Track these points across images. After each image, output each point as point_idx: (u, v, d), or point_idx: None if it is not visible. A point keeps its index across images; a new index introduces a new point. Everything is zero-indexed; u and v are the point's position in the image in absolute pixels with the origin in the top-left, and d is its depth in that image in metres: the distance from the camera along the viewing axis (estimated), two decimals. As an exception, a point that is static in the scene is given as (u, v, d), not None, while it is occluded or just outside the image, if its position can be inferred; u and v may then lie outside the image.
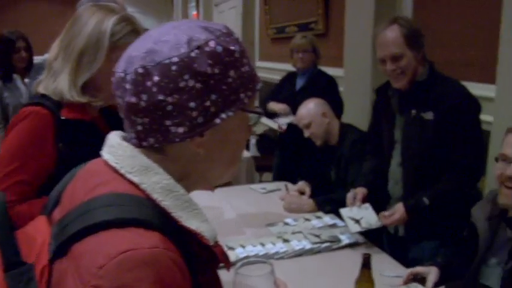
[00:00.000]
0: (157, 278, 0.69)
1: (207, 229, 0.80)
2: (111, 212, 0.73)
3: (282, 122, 3.59)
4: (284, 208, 2.70)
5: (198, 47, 0.77)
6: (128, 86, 0.78)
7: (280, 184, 3.14)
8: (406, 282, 1.82)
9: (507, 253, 1.73)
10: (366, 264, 1.63)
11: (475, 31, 2.94)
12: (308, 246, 2.13)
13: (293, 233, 2.27)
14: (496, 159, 1.74)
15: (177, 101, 0.77)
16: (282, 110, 3.57)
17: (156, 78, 0.76)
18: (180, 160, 0.83)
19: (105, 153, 0.83)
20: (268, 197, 2.93)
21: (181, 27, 0.81)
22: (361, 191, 2.29)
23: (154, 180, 0.79)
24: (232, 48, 0.81)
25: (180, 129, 0.79)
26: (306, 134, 2.87)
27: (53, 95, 1.44)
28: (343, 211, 2.26)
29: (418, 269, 1.85)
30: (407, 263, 2.06)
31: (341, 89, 3.93)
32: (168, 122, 0.78)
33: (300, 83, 3.72)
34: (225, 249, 0.87)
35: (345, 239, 2.22)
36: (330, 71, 3.99)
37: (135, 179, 0.78)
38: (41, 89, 1.47)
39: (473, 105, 2.12)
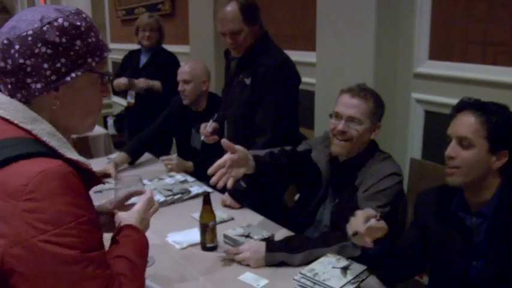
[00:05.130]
0: (68, 185, 1.00)
1: (82, 158, 1.10)
2: (19, 149, 1.00)
3: (129, 97, 3.80)
4: (168, 167, 2.92)
5: (49, 23, 1.05)
6: None
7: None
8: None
9: (335, 191, 2.06)
10: (206, 200, 1.96)
11: (297, 8, 3.43)
12: (162, 199, 2.43)
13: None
14: (330, 116, 2.01)
15: (33, 63, 1.04)
16: (123, 85, 3.73)
17: (17, 47, 1.03)
18: (44, 111, 1.10)
19: None
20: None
21: (38, 9, 1.08)
22: (213, 124, 2.59)
23: (42, 128, 1.06)
24: (78, 24, 1.08)
25: (38, 85, 1.06)
26: (180, 88, 3.02)
27: None
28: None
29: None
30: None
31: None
32: (28, 80, 1.05)
33: (143, 60, 3.88)
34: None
35: (194, 190, 2.55)
36: (177, 48, 4.28)
37: (28, 127, 1.05)
38: None
39: (284, 74, 2.35)
